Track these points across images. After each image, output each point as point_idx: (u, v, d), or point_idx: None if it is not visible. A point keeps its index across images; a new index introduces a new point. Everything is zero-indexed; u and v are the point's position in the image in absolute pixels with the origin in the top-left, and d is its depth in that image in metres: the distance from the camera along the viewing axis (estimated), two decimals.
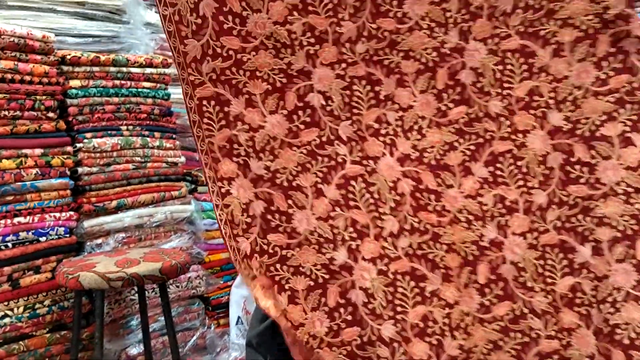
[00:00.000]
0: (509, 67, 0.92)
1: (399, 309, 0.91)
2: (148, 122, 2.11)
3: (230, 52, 0.91)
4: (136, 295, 1.96)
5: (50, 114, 1.84)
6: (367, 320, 0.91)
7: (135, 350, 2.00)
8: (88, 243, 1.93)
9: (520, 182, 0.93)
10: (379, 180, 0.93)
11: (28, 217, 1.76)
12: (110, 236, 1.97)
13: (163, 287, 1.80)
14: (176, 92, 2.28)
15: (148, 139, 2.08)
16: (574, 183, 0.94)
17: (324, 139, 0.93)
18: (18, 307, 1.70)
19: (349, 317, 0.90)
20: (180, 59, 0.91)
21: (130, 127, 2.05)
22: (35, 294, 1.74)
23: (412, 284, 0.93)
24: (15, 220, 1.73)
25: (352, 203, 0.93)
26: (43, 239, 1.78)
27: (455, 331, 0.91)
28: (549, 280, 0.91)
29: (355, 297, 0.90)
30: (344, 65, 0.92)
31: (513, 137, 0.93)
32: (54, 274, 1.74)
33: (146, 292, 1.95)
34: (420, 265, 0.93)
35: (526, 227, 0.92)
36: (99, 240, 1.95)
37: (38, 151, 1.79)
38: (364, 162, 0.94)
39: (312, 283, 0.90)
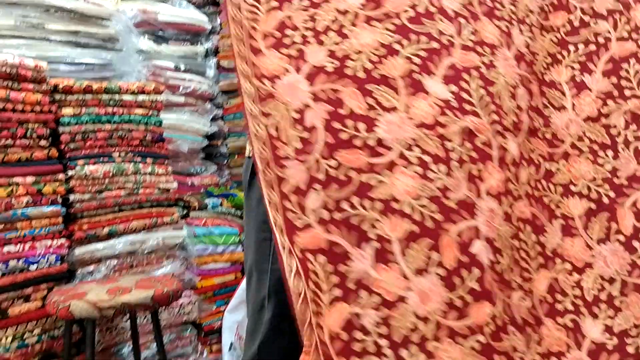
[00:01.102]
0: None
1: (525, 274, 0.64)
2: (140, 148, 2.12)
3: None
4: (128, 322, 1.95)
5: (42, 142, 1.84)
6: (496, 291, 0.59)
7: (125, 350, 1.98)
8: (79, 270, 1.92)
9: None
10: (498, 80, 0.66)
11: (18, 245, 1.75)
12: (101, 263, 1.96)
13: (155, 315, 1.79)
14: (168, 118, 2.29)
15: (140, 165, 2.08)
16: None
17: (420, 9, 0.65)
18: (6, 337, 1.68)
19: (477, 287, 0.58)
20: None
21: (123, 154, 2.05)
22: (24, 323, 1.73)
23: (533, 237, 0.67)
24: (5, 249, 1.72)
25: (467, 107, 0.64)
26: (33, 267, 1.76)
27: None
28: None
29: (479, 253, 0.59)
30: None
31: (634, 35, 0.74)
32: (45, 303, 1.73)
33: (138, 320, 1.93)
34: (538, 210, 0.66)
35: None
36: (91, 268, 1.94)
37: (30, 179, 1.78)
38: (478, 49, 0.67)
39: (416, 228, 0.58)
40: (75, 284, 1.84)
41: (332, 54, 0.62)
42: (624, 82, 0.72)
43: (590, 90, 0.72)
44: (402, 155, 0.61)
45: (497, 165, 0.62)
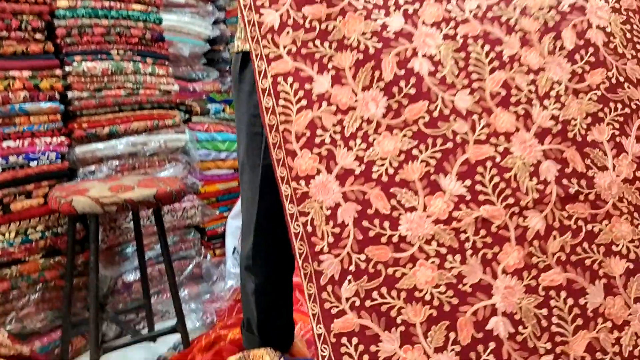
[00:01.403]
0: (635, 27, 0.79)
1: (557, 338, 0.71)
2: (140, 47, 2.04)
3: (314, 23, 0.72)
4: (131, 223, 1.95)
5: (38, 35, 1.77)
6: (516, 357, 0.69)
7: (131, 277, 2.00)
8: (80, 170, 1.90)
9: None
10: (515, 164, 0.72)
11: (17, 141, 1.71)
12: (103, 163, 1.94)
13: (158, 214, 1.78)
14: (168, 19, 2.20)
15: (140, 65, 2.01)
16: None
17: (435, 114, 0.71)
18: (9, 232, 1.68)
19: (492, 358, 0.69)
20: (255, 32, 0.72)
21: (121, 52, 1.97)
22: (27, 219, 1.72)
23: (570, 301, 0.74)
24: (4, 144, 1.69)
25: (482, 197, 0.72)
26: (34, 163, 1.74)
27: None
28: None
29: (496, 327, 0.70)
30: (452, 23, 0.73)
31: None
32: (46, 200, 1.71)
33: (141, 221, 1.93)
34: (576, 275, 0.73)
35: None
36: (92, 168, 1.92)
37: (26, 73, 1.73)
38: (493, 140, 0.72)
39: (435, 312, 0.67)
40: (77, 182, 1.82)
41: (359, 159, 0.71)
42: None
43: (627, 152, 0.76)
44: (421, 249, 0.71)
45: (515, 244, 0.70)
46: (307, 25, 0.72)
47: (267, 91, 0.70)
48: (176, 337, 1.90)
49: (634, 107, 0.79)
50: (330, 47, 0.72)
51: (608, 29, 0.78)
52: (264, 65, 0.72)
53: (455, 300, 0.70)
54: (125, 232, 2.00)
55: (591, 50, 0.77)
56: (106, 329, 1.95)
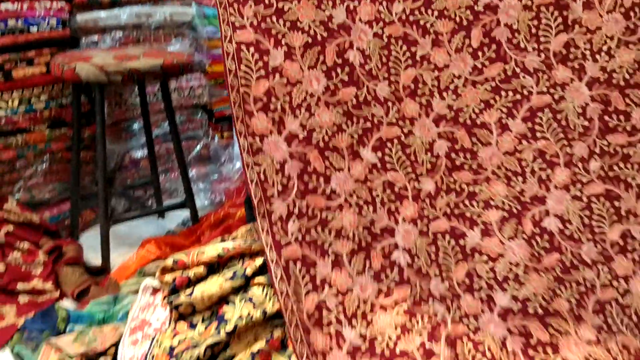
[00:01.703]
0: (544, 21, 0.94)
1: (443, 267, 0.90)
2: None
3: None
4: (137, 99, 1.89)
5: None
6: (414, 279, 0.89)
7: (138, 153, 1.98)
8: (83, 39, 1.81)
9: (560, 135, 0.95)
10: (415, 142, 0.91)
11: (16, 3, 1.62)
12: (106, 34, 1.85)
13: (165, 88, 1.72)
14: None
15: None
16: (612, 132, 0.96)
17: (360, 99, 0.88)
18: (12, 100, 1.63)
19: (398, 279, 0.89)
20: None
21: None
22: (30, 88, 1.66)
23: (452, 242, 0.93)
24: (2, 6, 1.60)
25: (389, 166, 0.91)
26: (34, 29, 1.65)
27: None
28: (597, 230, 0.92)
29: (397, 258, 0.90)
30: (381, 24, 0.90)
31: (552, 90, 0.94)
32: (49, 69, 1.65)
33: (147, 98, 1.87)
34: (459, 224, 0.93)
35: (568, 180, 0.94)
36: (95, 38, 1.83)
37: None
38: (400, 123, 0.92)
39: (356, 246, 0.86)
40: (80, 50, 1.75)
41: (302, 126, 0.87)
42: (537, 127, 0.93)
43: (510, 131, 0.94)
44: (346, 200, 0.88)
45: (412, 200, 0.89)
46: (267, 2, 0.84)
47: (230, 55, 0.82)
48: (185, 214, 1.90)
49: (525, 93, 0.95)
50: (284, 25, 0.85)
51: (515, 26, 0.92)
52: (230, 31, 0.83)
53: (369, 238, 0.88)
54: (131, 109, 1.95)
55: (494, 47, 0.92)
56: (115, 204, 1.96)
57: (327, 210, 0.88)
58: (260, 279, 1.03)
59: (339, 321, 0.82)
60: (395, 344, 0.83)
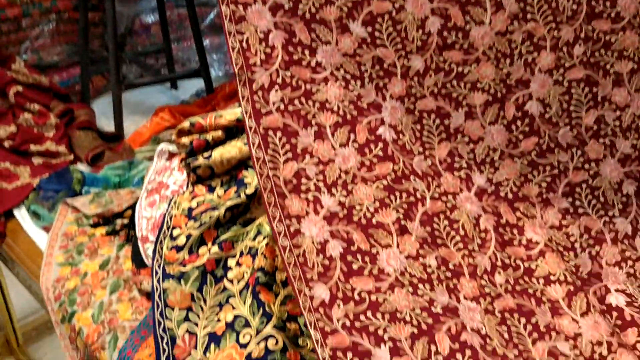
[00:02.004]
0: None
1: (427, 145, 0.87)
2: None
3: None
4: None
5: None
6: (398, 155, 0.84)
7: (149, 18, 1.87)
8: None
9: (550, 18, 0.91)
10: (407, 18, 0.87)
11: None
12: None
13: None
14: None
15: None
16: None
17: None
18: None
19: (381, 153, 0.83)
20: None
21: None
22: None
23: (437, 122, 0.89)
24: None
25: (378, 42, 0.86)
26: None
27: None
28: (574, 115, 0.92)
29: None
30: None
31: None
32: None
33: None
34: (445, 104, 0.90)
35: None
36: None
37: None
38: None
39: (340, 120, 0.79)
40: None
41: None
42: (528, 8, 0.90)
43: (504, 10, 0.90)
44: (332, 73, 0.84)
45: (400, 78, 0.85)
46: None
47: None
48: (199, 85, 1.84)
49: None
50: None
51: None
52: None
53: (355, 112, 0.84)
54: None
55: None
56: (126, 72, 1.89)
57: (312, 82, 0.82)
58: None
59: (317, 189, 0.78)
60: (373, 215, 0.80)
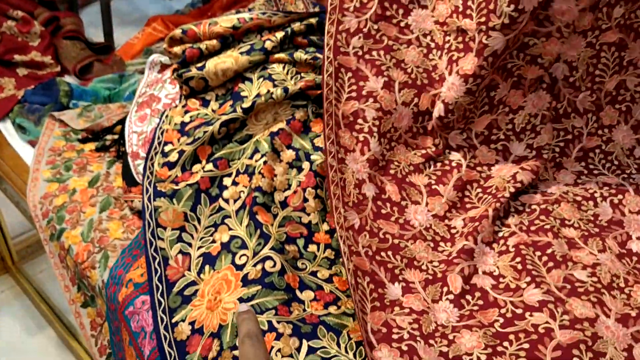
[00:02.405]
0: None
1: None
2: None
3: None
4: None
5: None
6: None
7: None
8: None
9: None
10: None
11: None
12: None
13: None
14: None
15: None
16: None
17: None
18: None
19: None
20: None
21: None
22: None
23: (491, 93, 0.83)
24: None
25: (468, 12, 0.80)
26: None
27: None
28: (597, 80, 0.86)
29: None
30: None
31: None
32: None
33: None
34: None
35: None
36: None
37: None
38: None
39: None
40: None
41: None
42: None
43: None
44: (418, 38, 0.83)
45: (475, 55, 0.78)
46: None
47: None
48: None
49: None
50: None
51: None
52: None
53: (425, 81, 0.83)
54: None
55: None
56: None
57: (396, 41, 0.83)
58: (281, 55, 0.90)
59: (370, 131, 0.79)
60: (407, 175, 0.82)
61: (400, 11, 0.82)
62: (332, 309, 0.69)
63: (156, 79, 1.05)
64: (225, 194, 0.81)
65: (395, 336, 0.65)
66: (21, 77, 1.30)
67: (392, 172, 0.81)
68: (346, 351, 0.64)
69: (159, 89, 1.02)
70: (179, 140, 0.88)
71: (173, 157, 0.84)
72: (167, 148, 0.87)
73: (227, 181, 0.82)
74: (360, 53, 0.81)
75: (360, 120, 0.79)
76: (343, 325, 0.67)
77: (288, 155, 0.83)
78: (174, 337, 0.68)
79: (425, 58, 0.83)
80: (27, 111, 1.15)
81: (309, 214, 0.79)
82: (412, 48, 0.83)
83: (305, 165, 0.82)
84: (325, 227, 0.79)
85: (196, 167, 0.83)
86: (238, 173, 0.83)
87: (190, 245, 0.77)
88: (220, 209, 0.80)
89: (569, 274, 0.72)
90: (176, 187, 0.81)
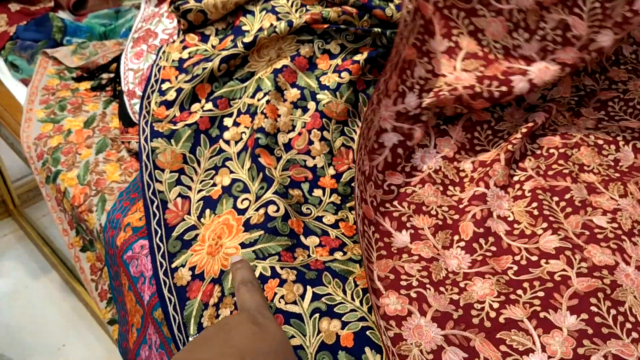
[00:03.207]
0: None
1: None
2: None
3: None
4: None
5: None
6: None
7: None
8: None
9: None
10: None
11: None
12: None
13: None
14: None
15: None
16: None
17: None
18: None
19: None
20: None
21: None
22: None
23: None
24: None
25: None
26: None
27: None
28: None
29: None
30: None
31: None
32: None
33: None
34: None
35: None
36: None
37: None
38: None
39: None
40: None
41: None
42: None
43: None
44: (510, 11, 0.76)
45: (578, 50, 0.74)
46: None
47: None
48: None
49: None
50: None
51: None
52: None
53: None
54: None
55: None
56: None
57: (486, 6, 0.79)
58: None
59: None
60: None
61: None
62: (338, 255, 0.66)
63: (153, 13, 0.99)
64: (226, 135, 0.77)
65: (403, 282, 0.62)
66: (13, 13, 1.23)
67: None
68: (352, 298, 0.61)
69: (156, 24, 0.96)
70: (176, 77, 0.83)
71: (171, 95, 0.79)
72: (164, 86, 0.82)
73: (227, 121, 0.78)
74: (441, 5, 0.77)
75: (408, 72, 0.77)
76: (349, 271, 0.63)
77: (292, 94, 0.78)
78: (174, 282, 0.66)
79: (508, 35, 0.77)
80: (20, 48, 1.10)
81: (314, 157, 0.75)
82: (499, 21, 0.77)
83: (311, 105, 0.77)
84: (331, 171, 0.75)
85: (195, 107, 0.79)
86: (239, 113, 0.78)
87: (189, 188, 0.74)
88: (221, 150, 0.76)
89: (587, 219, 0.68)
90: (174, 127, 0.77)
